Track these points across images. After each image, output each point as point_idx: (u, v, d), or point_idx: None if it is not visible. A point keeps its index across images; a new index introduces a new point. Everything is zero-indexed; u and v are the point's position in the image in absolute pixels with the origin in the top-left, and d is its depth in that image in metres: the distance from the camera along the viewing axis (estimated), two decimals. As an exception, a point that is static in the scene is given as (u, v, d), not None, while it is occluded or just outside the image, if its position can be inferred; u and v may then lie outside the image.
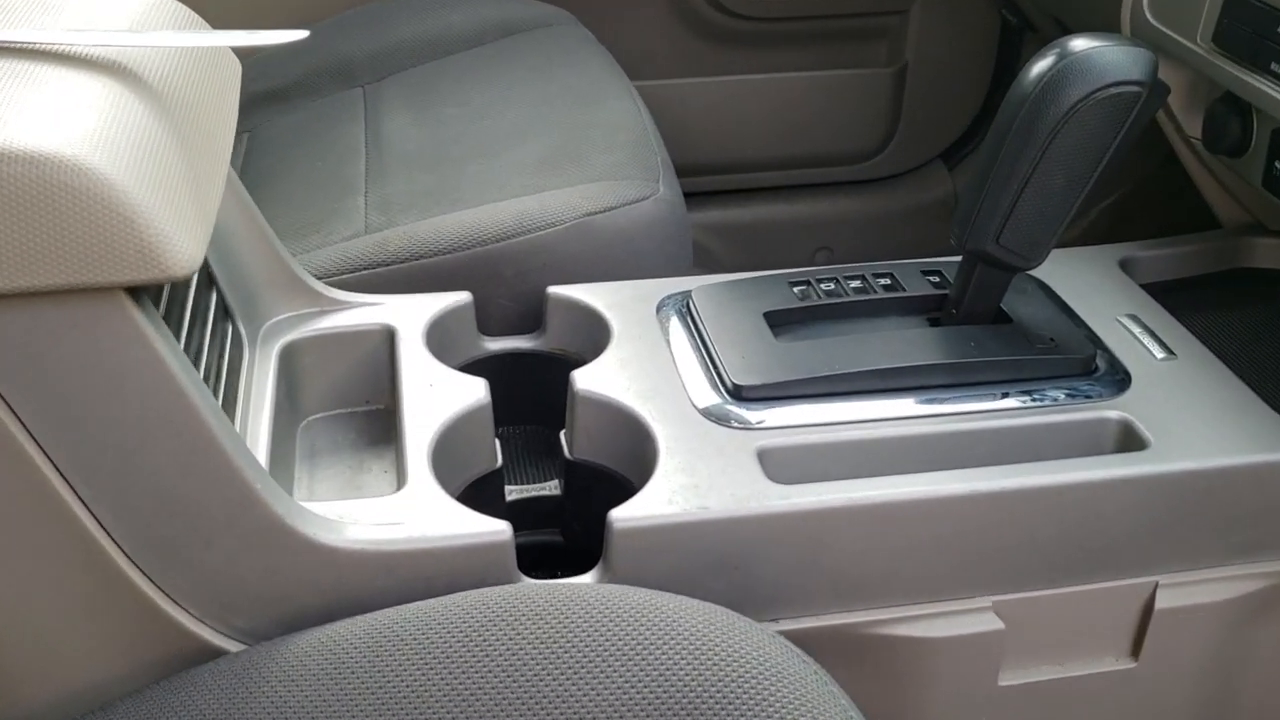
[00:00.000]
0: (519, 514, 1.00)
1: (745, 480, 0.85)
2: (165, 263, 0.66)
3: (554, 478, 1.04)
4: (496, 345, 1.08)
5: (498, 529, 0.81)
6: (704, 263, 1.93)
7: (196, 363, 0.84)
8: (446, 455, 0.90)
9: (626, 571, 0.83)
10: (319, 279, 1.09)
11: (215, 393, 0.86)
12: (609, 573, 0.83)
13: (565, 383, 1.00)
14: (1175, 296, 1.15)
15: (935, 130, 2.01)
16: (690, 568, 0.84)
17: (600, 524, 0.96)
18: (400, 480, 0.86)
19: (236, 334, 0.95)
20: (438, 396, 0.93)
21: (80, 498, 0.73)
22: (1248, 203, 1.17)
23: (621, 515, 0.82)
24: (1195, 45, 1.05)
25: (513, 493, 1.00)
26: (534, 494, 1.00)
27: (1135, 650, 0.93)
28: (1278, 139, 1.00)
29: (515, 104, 1.45)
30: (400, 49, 1.61)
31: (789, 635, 0.85)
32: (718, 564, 0.84)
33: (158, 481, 0.73)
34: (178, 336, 0.80)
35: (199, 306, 0.88)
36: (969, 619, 0.88)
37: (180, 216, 0.68)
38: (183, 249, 0.67)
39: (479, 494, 0.95)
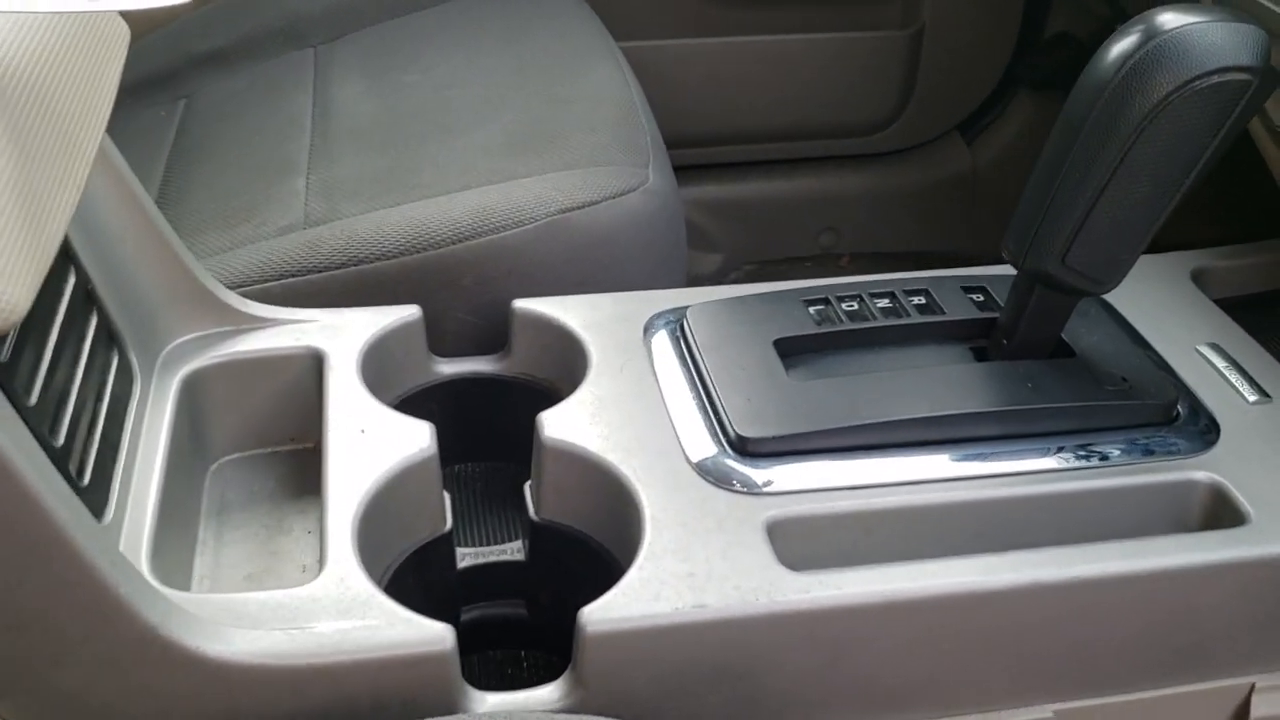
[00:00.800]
0: (474, 582, 0.83)
1: (752, 565, 0.68)
2: (-31, 314, 0.48)
3: (516, 536, 0.87)
4: (451, 368, 0.91)
5: (436, 636, 0.63)
6: (697, 244, 1.76)
7: (59, 410, 0.66)
8: (380, 523, 0.72)
9: (601, 685, 0.65)
10: (238, 288, 0.91)
11: (85, 443, 0.69)
12: (580, 686, 0.66)
13: (532, 414, 0.83)
14: (1256, 315, 0.97)
15: (953, 99, 1.82)
16: (682, 678, 0.66)
17: (573, 595, 0.79)
18: (320, 560, 0.68)
19: (124, 363, 0.77)
20: (370, 447, 0.75)
21: (-118, 608, 0.55)
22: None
23: (596, 616, 0.65)
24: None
25: (465, 557, 0.82)
26: (492, 559, 0.82)
27: (1222, 763, 0.76)
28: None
29: (484, 71, 1.26)
30: (357, 4, 1.41)
31: (803, 755, 0.69)
32: (717, 674, 0.67)
33: (-16, 588, 0.56)
34: (32, 376, 0.63)
35: (68, 335, 0.70)
36: (1025, 734, 0.72)
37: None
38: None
39: (424, 562, 0.77)
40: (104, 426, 0.71)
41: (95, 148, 0.64)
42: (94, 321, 0.74)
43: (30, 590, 0.56)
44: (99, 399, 0.72)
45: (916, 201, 1.82)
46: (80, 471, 0.66)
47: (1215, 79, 0.70)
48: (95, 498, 0.67)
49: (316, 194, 1.07)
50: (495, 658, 0.67)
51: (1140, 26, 0.72)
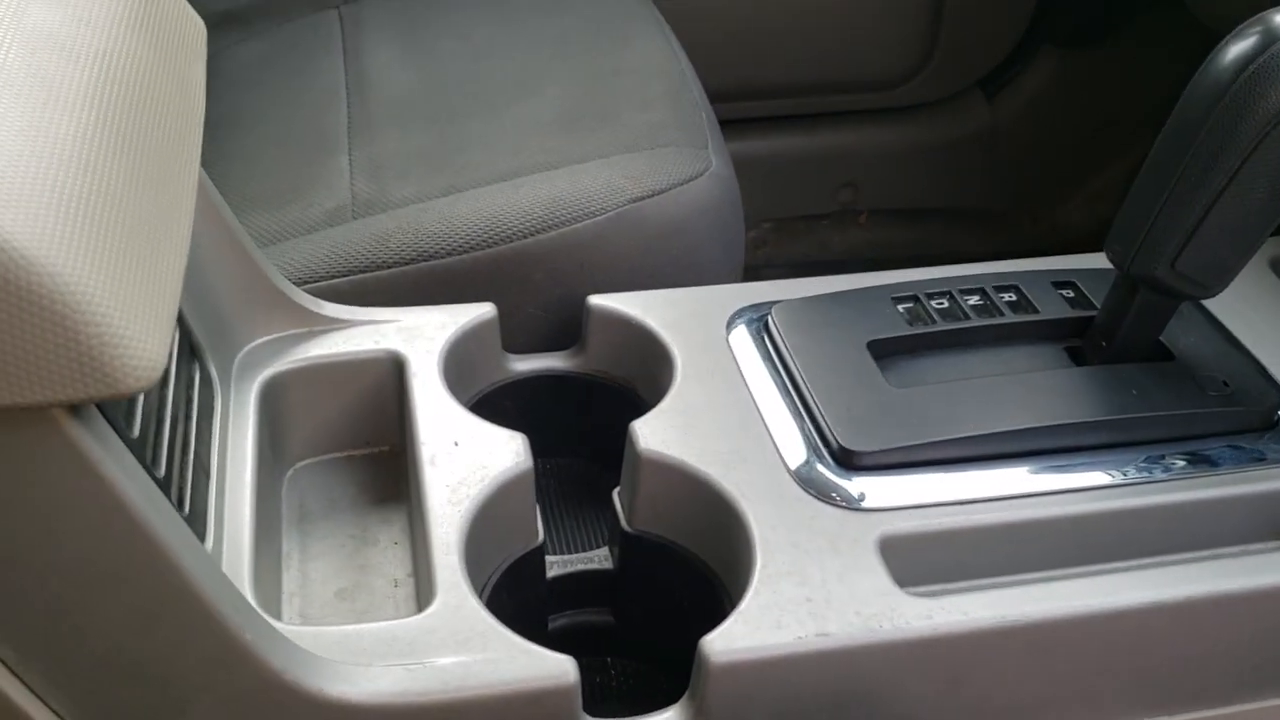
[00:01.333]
0: (562, 590, 0.81)
1: (870, 588, 0.67)
2: (115, 374, 0.45)
3: (600, 541, 0.85)
4: (525, 365, 0.88)
5: (560, 670, 0.62)
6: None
7: (158, 438, 0.63)
8: (480, 541, 0.71)
9: (723, 713, 0.64)
10: (307, 283, 0.88)
11: (182, 468, 0.66)
12: (701, 715, 0.64)
13: (607, 411, 0.81)
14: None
15: (975, 54, 1.79)
16: (802, 704, 0.65)
17: (666, 609, 0.78)
18: (424, 587, 0.67)
19: (205, 375, 0.75)
20: (466, 461, 0.73)
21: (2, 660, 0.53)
22: None
23: (719, 646, 0.63)
24: None
25: (554, 566, 0.81)
26: (580, 568, 0.81)
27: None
28: None
29: (524, 40, 1.22)
30: (379, -39, 1.36)
31: (917, 773, 0.68)
32: (837, 699, 0.66)
33: (109, 639, 0.54)
34: (131, 406, 0.60)
35: (157, 353, 0.67)
36: (1136, 748, 0.71)
37: (135, 303, 0.47)
38: (140, 352, 0.46)
39: (518, 574, 0.76)
40: (195, 446, 0.69)
41: (197, 164, 0.61)
42: (177, 337, 0.71)
43: (156, 640, 0.54)
44: (188, 417, 0.69)
45: (935, 157, 1.80)
46: (181, 500, 0.64)
47: (1342, 86, 0.68)
48: (196, 526, 0.65)
49: (362, 173, 1.04)
50: (582, 664, 0.65)
51: (1259, 28, 0.69)
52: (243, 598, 0.57)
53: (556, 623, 0.82)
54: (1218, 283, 0.75)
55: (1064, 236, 1.81)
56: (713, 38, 1.66)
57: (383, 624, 0.64)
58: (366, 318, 0.82)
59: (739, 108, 1.74)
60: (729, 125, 1.76)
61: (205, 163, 1.09)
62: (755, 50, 1.70)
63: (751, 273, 1.85)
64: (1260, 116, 0.69)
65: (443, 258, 0.88)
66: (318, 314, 0.81)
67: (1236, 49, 0.70)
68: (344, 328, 0.82)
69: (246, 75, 1.25)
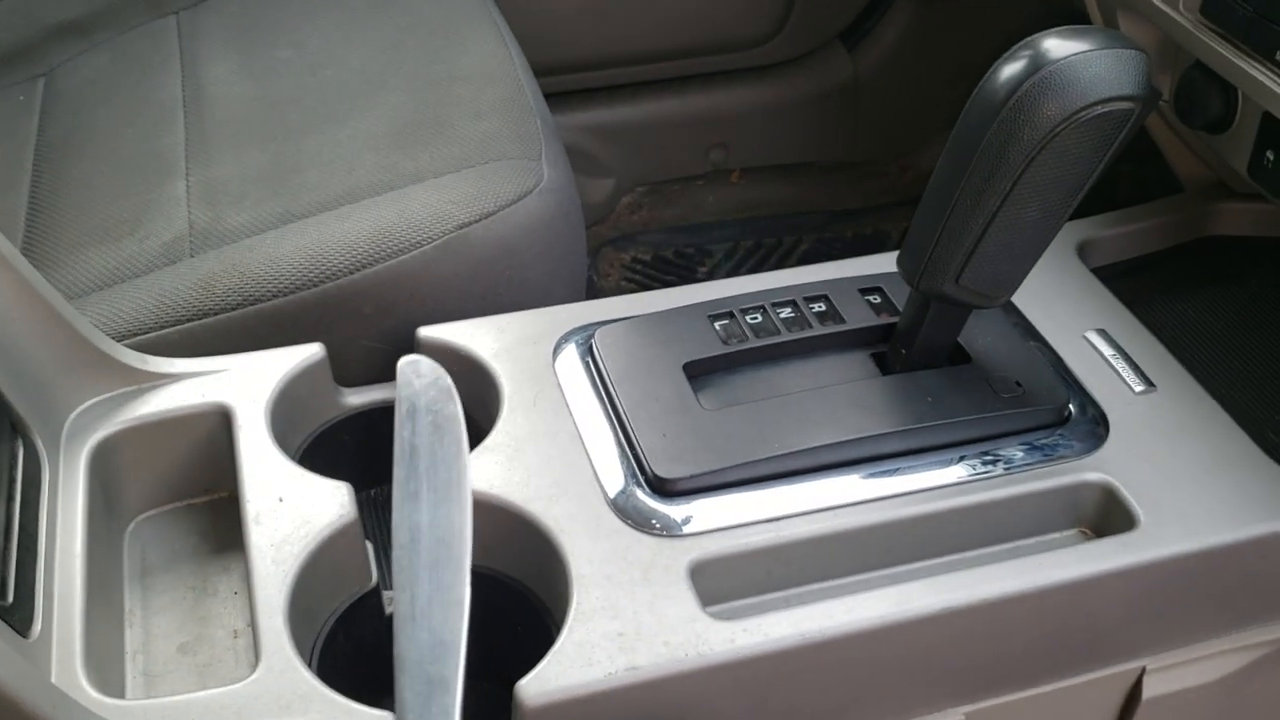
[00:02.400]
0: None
1: (679, 617, 0.70)
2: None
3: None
4: (359, 399, 0.90)
5: (380, 727, 0.65)
6: (589, 170, 1.75)
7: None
8: (308, 596, 0.73)
9: (542, 749, 0.68)
10: (134, 336, 0.89)
11: (4, 554, 0.68)
12: (522, 753, 0.68)
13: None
14: (1140, 279, 1.02)
15: (833, 8, 1.82)
16: (619, 733, 0.69)
17: (506, 638, 0.81)
18: (255, 650, 0.69)
19: (30, 447, 0.76)
20: (290, 517, 0.75)
21: None
22: (1213, 164, 1.03)
23: (534, 690, 0.67)
24: (1178, 14, 0.88)
25: (393, 603, 0.83)
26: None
27: (1117, 737, 0.83)
28: (1270, 125, 0.85)
29: (360, 46, 1.22)
30: (216, -37, 1.35)
31: (736, 781, 0.73)
32: (651, 725, 0.70)
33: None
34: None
35: (-30, 440, 0.68)
36: (939, 737, 0.77)
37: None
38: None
39: (353, 617, 0.78)
40: (20, 527, 0.70)
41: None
42: (-7, 416, 0.72)
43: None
44: (10, 499, 0.71)
45: (802, 112, 1.83)
46: (3, 589, 0.66)
47: (1100, 109, 0.71)
48: (22, 612, 0.67)
49: (199, 199, 1.04)
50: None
51: (1027, 53, 0.73)
52: (60, 694, 0.60)
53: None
54: (1002, 293, 0.79)
55: (932, 182, 1.85)
56: (582, 9, 1.67)
57: (210, 693, 0.66)
58: (193, 369, 0.84)
59: (609, 75, 1.75)
60: (596, 93, 1.78)
61: (47, 191, 1.09)
62: (620, 16, 1.71)
63: (628, 238, 1.88)
64: (1027, 140, 0.72)
65: (270, 300, 0.90)
66: (143, 370, 0.83)
67: (1005, 73, 0.73)
68: (171, 382, 0.83)
69: (86, 92, 1.24)
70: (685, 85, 1.80)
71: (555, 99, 1.72)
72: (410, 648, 0.49)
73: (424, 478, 0.54)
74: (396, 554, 0.52)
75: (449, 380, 0.58)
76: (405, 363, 0.59)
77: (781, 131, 1.83)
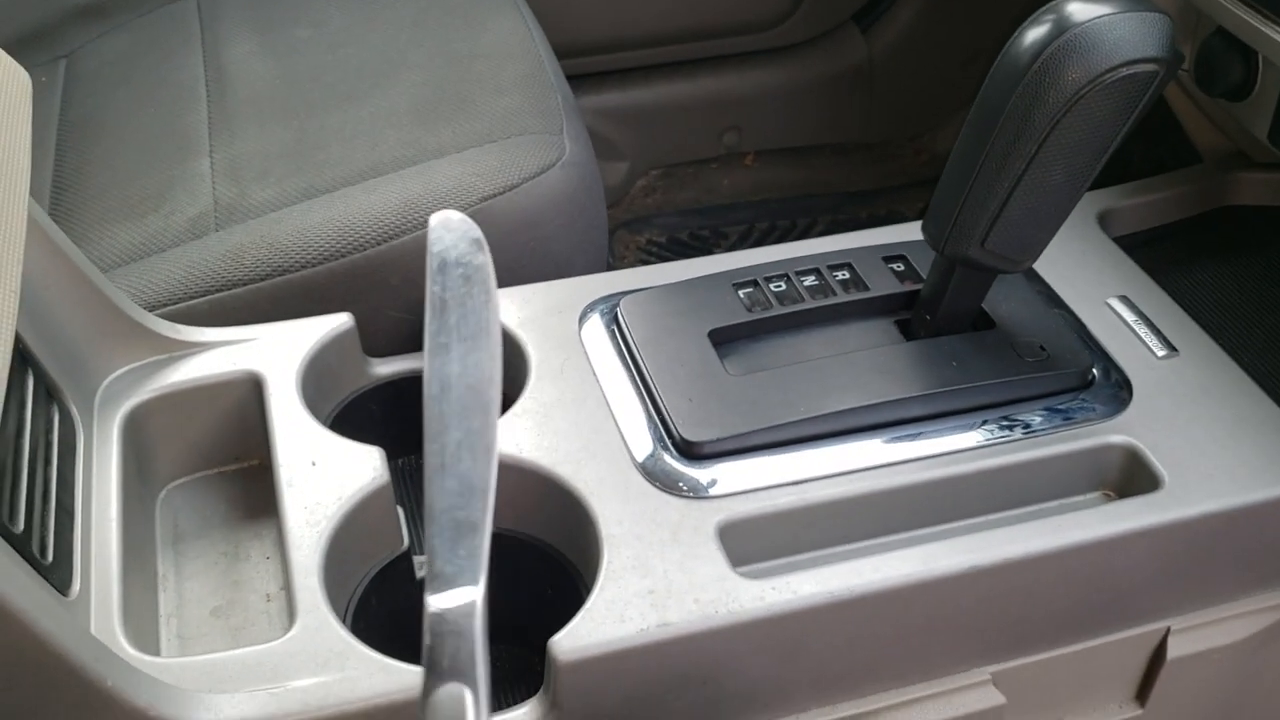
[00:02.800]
0: (434, 588, 0.85)
1: (709, 575, 0.71)
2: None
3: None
4: (388, 368, 0.91)
5: (414, 683, 0.66)
6: (603, 154, 1.75)
7: (14, 493, 0.66)
8: (341, 559, 0.74)
9: (573, 705, 0.69)
10: (163, 306, 0.90)
11: (43, 516, 0.69)
12: (554, 709, 0.69)
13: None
14: (1160, 249, 1.02)
15: (846, -13, 1.82)
16: (649, 690, 0.70)
17: (535, 601, 0.82)
18: (289, 609, 0.70)
19: (65, 414, 0.77)
20: (323, 481, 0.76)
21: None
22: (1232, 133, 1.04)
23: (566, 645, 0.68)
24: (1200, -22, 0.89)
25: (423, 566, 0.84)
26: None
27: (1142, 697, 0.83)
28: (1292, 89, 0.86)
29: (380, 24, 1.22)
30: (235, -54, 1.35)
31: (765, 740, 0.74)
32: (681, 682, 0.71)
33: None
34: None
35: (10, 404, 0.69)
36: (966, 697, 0.77)
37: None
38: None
39: (384, 581, 0.79)
40: (57, 492, 0.71)
41: (24, 219, 0.62)
42: (31, 382, 0.73)
43: (17, 695, 0.57)
44: (48, 462, 0.72)
45: (816, 94, 1.83)
46: (43, 549, 0.67)
47: (1125, 71, 0.72)
48: (61, 573, 0.68)
49: (223, 175, 1.05)
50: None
51: (1051, 17, 0.73)
52: (101, 645, 0.61)
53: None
54: (1027, 257, 0.80)
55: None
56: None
57: (247, 650, 0.67)
58: (223, 338, 0.85)
59: (623, 58, 1.76)
60: (610, 76, 1.78)
61: (71, 170, 1.10)
62: (632, 1, 1.71)
63: (643, 221, 1.89)
64: (1052, 103, 0.73)
65: (299, 270, 0.90)
66: (174, 339, 0.83)
67: (1030, 37, 0.73)
68: (201, 351, 0.84)
69: (107, 73, 1.25)
70: (698, 68, 1.80)
71: (570, 82, 1.73)
72: (440, 496, 0.49)
73: (454, 330, 0.53)
74: (427, 406, 0.52)
75: (478, 231, 0.58)
76: (436, 219, 0.59)
77: (795, 114, 1.84)
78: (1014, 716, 0.80)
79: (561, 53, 1.67)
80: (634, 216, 1.85)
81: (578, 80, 1.72)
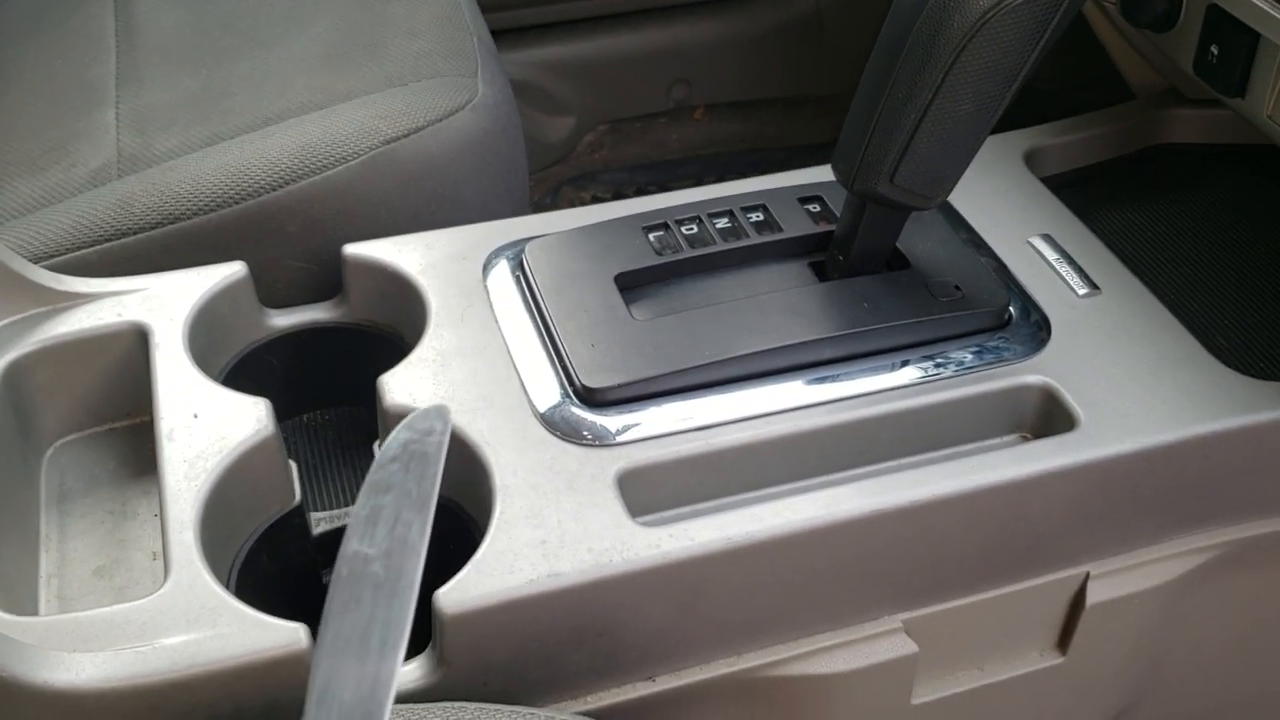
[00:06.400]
0: (332, 545, 0.82)
1: (604, 524, 0.69)
2: None
3: (374, 490, 0.86)
4: (286, 320, 0.88)
5: (289, 638, 0.63)
6: (548, 109, 1.72)
7: None
8: (223, 513, 0.71)
9: (462, 660, 0.66)
10: (52, 258, 0.86)
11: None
12: (442, 664, 0.66)
13: (376, 359, 0.81)
14: (1090, 188, 0.99)
15: (793, -63, 1.79)
16: (543, 643, 0.68)
17: (436, 556, 0.79)
18: (165, 567, 0.67)
19: (-64, 367, 0.73)
20: (204, 434, 0.73)
21: None
22: (1165, 70, 1.01)
23: (452, 598, 0.65)
24: (1119, -98, 0.86)
25: (320, 523, 0.82)
26: (348, 522, 0.81)
27: (1063, 644, 0.81)
28: (1213, 18, 0.83)
29: (295, -31, 1.18)
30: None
31: (669, 693, 0.72)
32: (577, 634, 0.68)
33: None
34: None
35: None
36: (877, 645, 0.75)
37: None
38: None
39: (276, 537, 0.76)
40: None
41: None
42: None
43: None
44: (-92, 417, 0.69)
45: (765, 46, 1.80)
46: (-98, 508, 0.64)
47: (1031, -7, 0.69)
48: (-79, 532, 0.65)
49: (128, 126, 1.01)
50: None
51: (954, -63, 0.70)
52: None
53: (329, 578, 0.83)
54: (938, 193, 0.77)
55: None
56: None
57: (116, 608, 0.64)
58: (109, 289, 0.81)
59: (563, 9, 1.72)
60: (553, 28, 1.74)
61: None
62: (574, -53, 1.67)
63: (589, 177, 1.85)
64: (955, 30, 0.70)
65: (190, 218, 0.87)
66: (57, 290, 0.80)
67: (934, -39, 0.70)
68: (86, 302, 0.81)
69: (16, 27, 1.20)
70: (645, 19, 1.76)
71: (512, 34, 1.69)
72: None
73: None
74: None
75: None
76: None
77: (745, 66, 1.80)
78: (929, 665, 0.78)
79: (504, 3, 1.63)
80: (580, 172, 1.81)
81: (520, 32, 1.68)
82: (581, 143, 1.82)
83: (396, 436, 0.51)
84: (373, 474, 0.49)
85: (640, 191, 1.77)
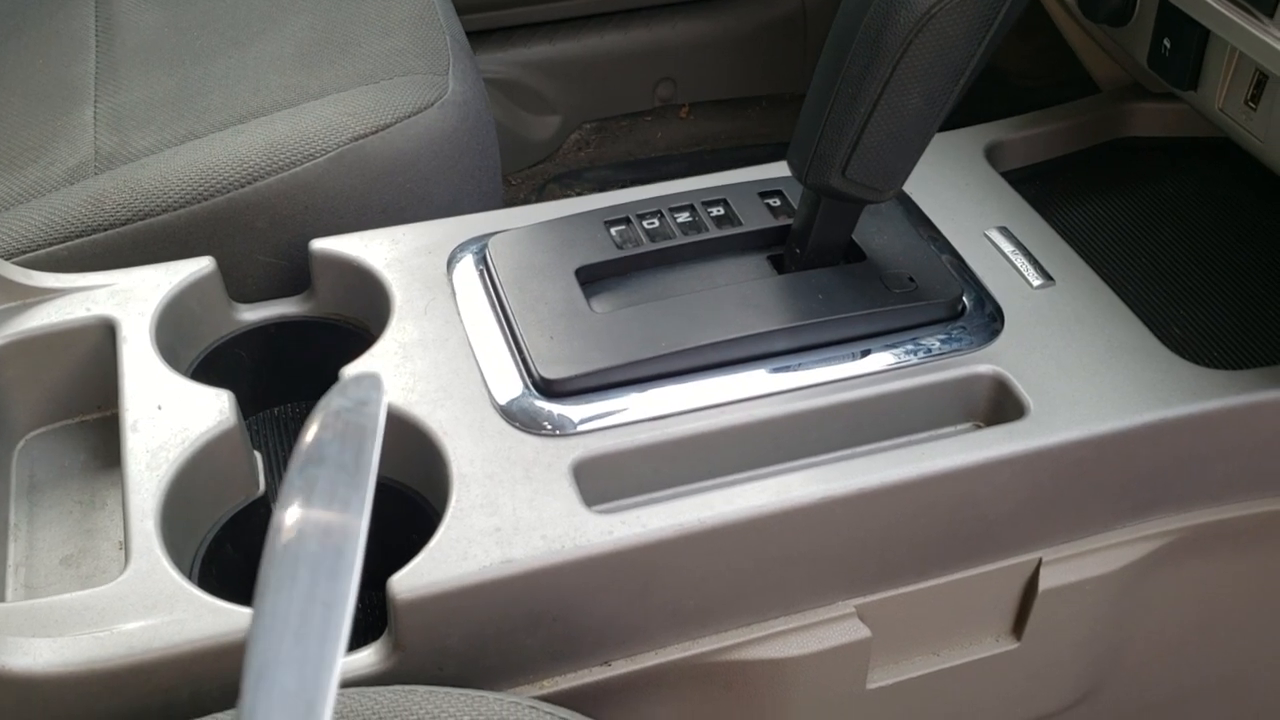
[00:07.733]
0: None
1: (558, 512, 0.70)
2: None
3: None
4: (255, 315, 0.89)
5: (245, 625, 0.64)
6: (533, 107, 1.73)
7: None
8: (185, 502, 0.72)
9: (417, 645, 0.68)
10: (24, 254, 0.88)
11: None
12: (397, 649, 0.68)
13: (344, 353, 0.82)
14: (1052, 182, 1.01)
15: (776, -65, 1.80)
16: (498, 628, 0.69)
17: (399, 543, 0.81)
18: (125, 553, 0.69)
19: (-94, 361, 0.75)
20: (167, 424, 0.74)
21: None
22: (1125, 63, 1.02)
23: (406, 584, 0.67)
24: (1071, -101, 0.87)
25: (286, 513, 0.83)
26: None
27: (1018, 630, 0.83)
28: (1166, 12, 0.84)
29: (271, -31, 1.20)
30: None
31: (625, 677, 0.73)
32: (532, 620, 0.69)
33: None
34: None
35: None
36: (830, 630, 0.76)
37: None
38: None
39: (240, 527, 0.78)
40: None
41: None
42: None
43: None
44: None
45: (749, 45, 1.81)
46: None
47: (975, -12, 0.70)
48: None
49: (106, 125, 1.03)
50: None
51: (900, -70, 0.71)
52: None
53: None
54: (890, 186, 0.78)
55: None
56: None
57: (76, 594, 0.66)
58: (78, 284, 0.83)
59: (549, 9, 1.73)
60: (539, 27, 1.75)
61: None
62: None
63: (574, 175, 1.86)
64: (901, 25, 0.71)
65: (160, 214, 0.88)
66: (26, 285, 0.81)
67: (881, -43, 0.72)
68: (55, 297, 0.82)
69: (-1, 26, 1.22)
70: (630, 18, 1.78)
71: (498, 33, 1.70)
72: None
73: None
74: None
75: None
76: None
77: (730, 65, 1.81)
78: (883, 650, 0.79)
79: (490, 3, 1.64)
80: (566, 170, 1.83)
81: (506, 31, 1.69)
82: (567, 141, 1.83)
83: (330, 402, 0.50)
84: (305, 443, 0.49)
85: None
